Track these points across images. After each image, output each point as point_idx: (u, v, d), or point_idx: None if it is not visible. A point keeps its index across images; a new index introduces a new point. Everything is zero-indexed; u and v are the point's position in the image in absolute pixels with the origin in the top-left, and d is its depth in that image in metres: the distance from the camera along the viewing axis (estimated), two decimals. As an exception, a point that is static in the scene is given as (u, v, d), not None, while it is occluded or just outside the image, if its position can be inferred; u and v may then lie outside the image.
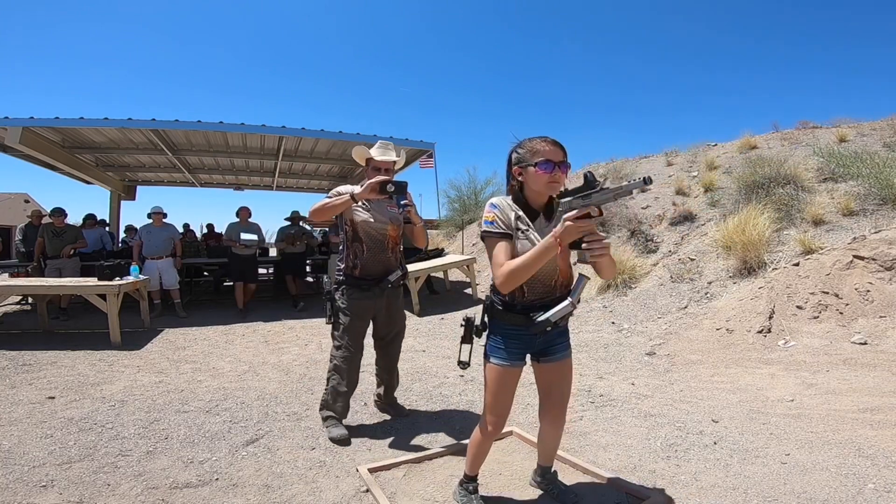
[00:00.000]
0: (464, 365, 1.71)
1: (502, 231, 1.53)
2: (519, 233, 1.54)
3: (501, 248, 1.51)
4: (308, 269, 8.57)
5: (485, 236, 1.57)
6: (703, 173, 7.88)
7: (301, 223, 7.62)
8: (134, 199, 11.58)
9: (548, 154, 1.50)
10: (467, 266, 7.43)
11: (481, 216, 1.66)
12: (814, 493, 1.88)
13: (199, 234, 10.85)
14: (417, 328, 5.53)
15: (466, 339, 1.72)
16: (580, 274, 1.55)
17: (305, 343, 4.84)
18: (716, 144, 9.69)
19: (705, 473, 2.07)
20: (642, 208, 7.64)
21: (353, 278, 2.50)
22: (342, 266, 2.55)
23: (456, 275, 9.03)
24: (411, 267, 6.92)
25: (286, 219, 7.46)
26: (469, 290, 7.85)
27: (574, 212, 1.35)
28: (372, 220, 2.51)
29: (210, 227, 10.67)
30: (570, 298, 1.52)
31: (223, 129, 7.47)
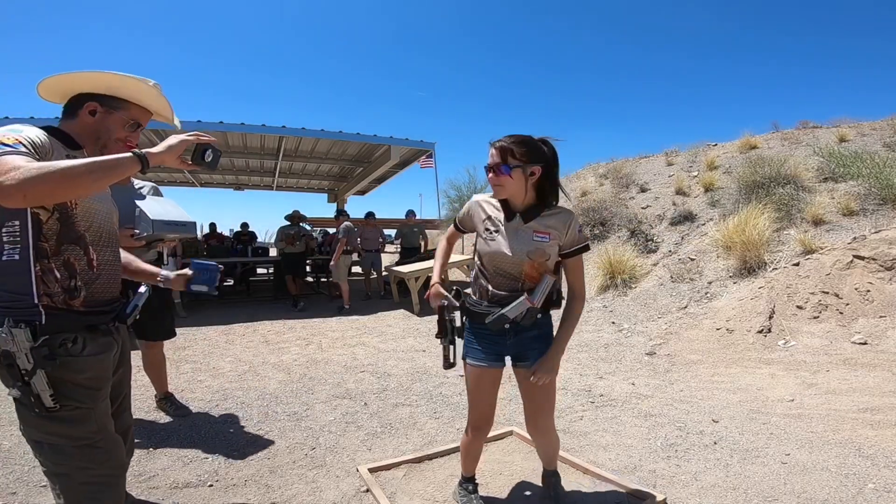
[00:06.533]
0: (449, 364, 1.70)
1: (457, 225, 1.79)
2: (487, 233, 1.61)
3: (448, 231, 1.87)
4: (308, 268, 8.59)
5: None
6: (703, 173, 7.87)
7: (301, 223, 7.62)
8: (134, 198, 11.57)
9: (489, 159, 1.55)
10: (467, 266, 7.44)
11: None
12: (814, 493, 1.88)
13: (199, 234, 10.84)
14: (418, 328, 5.53)
15: (440, 333, 1.70)
16: (545, 274, 1.55)
17: (306, 343, 4.84)
18: (716, 144, 9.68)
19: (705, 473, 2.07)
20: (642, 208, 7.64)
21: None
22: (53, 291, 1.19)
23: (456, 275, 9.03)
24: (411, 267, 6.96)
25: (286, 218, 7.47)
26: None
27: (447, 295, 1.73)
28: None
29: (213, 226, 10.65)
30: (525, 295, 1.51)
31: (223, 129, 7.49)
